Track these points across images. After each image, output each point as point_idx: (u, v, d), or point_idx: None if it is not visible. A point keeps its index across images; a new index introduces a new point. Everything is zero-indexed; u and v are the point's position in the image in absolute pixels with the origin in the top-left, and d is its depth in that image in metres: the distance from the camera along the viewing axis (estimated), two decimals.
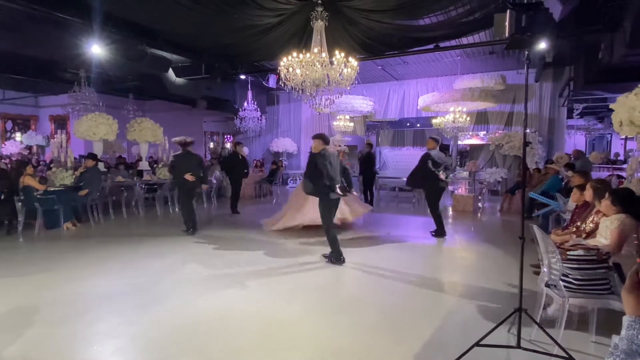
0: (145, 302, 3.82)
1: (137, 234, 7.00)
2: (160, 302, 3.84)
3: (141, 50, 8.33)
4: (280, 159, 15.41)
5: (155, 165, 10.42)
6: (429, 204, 6.85)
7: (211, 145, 18.88)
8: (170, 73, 10.60)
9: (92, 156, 7.97)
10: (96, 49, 7.76)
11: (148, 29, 7.82)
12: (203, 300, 3.89)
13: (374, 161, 10.62)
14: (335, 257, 5.21)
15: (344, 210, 7.02)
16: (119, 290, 4.15)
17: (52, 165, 8.35)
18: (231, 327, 3.30)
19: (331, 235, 5.25)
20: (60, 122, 15.90)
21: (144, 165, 10.16)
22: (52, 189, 7.22)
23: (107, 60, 8.51)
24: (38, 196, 6.85)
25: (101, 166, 8.77)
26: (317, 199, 5.39)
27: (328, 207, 5.28)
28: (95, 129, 8.76)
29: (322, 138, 5.42)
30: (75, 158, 9.35)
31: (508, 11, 2.60)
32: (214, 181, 10.99)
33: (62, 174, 7.80)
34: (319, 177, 5.16)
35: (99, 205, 8.06)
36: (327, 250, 5.38)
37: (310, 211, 6.73)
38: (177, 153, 7.12)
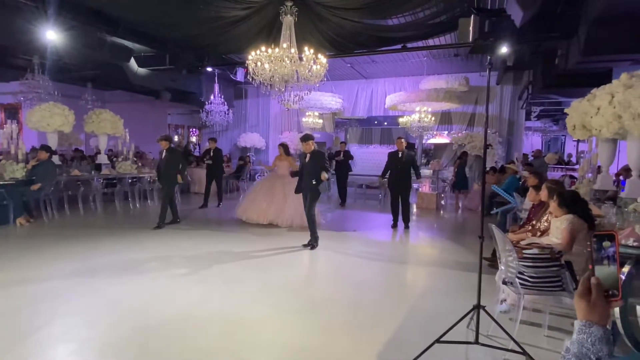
0: (102, 303, 3.65)
1: (94, 231, 6.69)
2: (118, 302, 3.69)
3: (100, 38, 7.93)
4: (248, 154, 15.19)
5: (115, 159, 9.99)
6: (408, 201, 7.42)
7: (175, 138, 18.35)
8: (132, 63, 10.17)
9: (45, 148, 7.53)
10: (51, 35, 7.31)
11: (108, 16, 7.45)
12: (164, 300, 3.77)
13: (350, 158, 10.70)
14: (316, 241, 5.81)
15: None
16: (73, 291, 3.94)
17: (1, 157, 7.81)
18: (193, 328, 3.21)
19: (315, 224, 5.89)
20: (12, 112, 14.89)
21: (102, 158, 9.71)
22: (1, 183, 6.77)
23: (63, 47, 8.04)
24: None
25: (56, 159, 8.29)
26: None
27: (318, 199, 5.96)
28: (49, 119, 8.25)
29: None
30: (27, 153, 8.81)
31: (472, 16, 2.66)
32: None
33: (12, 166, 7.31)
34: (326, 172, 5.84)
35: (53, 200, 7.65)
36: (295, 244, 5.57)
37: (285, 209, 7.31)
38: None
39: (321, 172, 5.72)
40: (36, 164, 7.28)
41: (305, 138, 5.95)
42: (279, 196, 7.28)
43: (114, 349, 2.86)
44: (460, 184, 10.26)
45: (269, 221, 7.24)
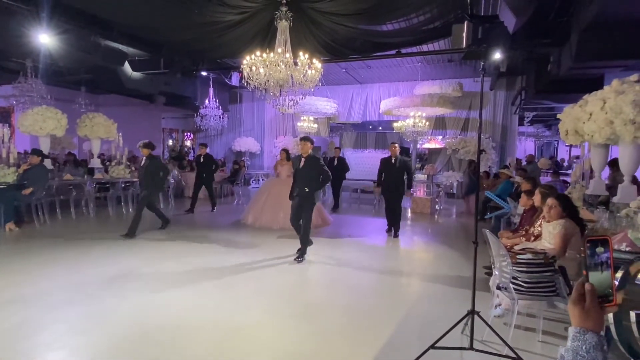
0: (94, 310, 3.60)
1: (86, 236, 6.61)
2: (110, 309, 3.64)
3: (94, 42, 7.90)
4: (243, 158, 15.15)
5: (108, 163, 9.92)
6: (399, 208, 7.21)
7: (170, 142, 18.25)
8: (126, 66, 10.14)
9: (37, 152, 7.45)
10: (44, 39, 7.26)
11: (102, 20, 7.42)
12: (157, 307, 3.73)
13: (345, 165, 10.66)
14: (304, 253, 5.46)
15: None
16: (64, 297, 3.89)
17: None
18: (186, 335, 3.17)
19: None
20: (4, 115, 14.76)
21: (95, 162, 9.63)
22: None
23: (56, 50, 7.99)
24: None
25: (48, 163, 8.21)
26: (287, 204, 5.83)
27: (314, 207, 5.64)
28: (42, 123, 8.18)
29: None
30: (19, 153, 8.72)
31: (466, 23, 2.68)
32: (172, 181, 10.63)
33: (3, 170, 7.23)
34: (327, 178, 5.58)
35: (45, 205, 7.56)
36: (290, 250, 5.49)
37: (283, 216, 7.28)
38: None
39: (317, 180, 5.46)
40: (28, 168, 7.21)
41: (303, 139, 5.69)
42: (286, 201, 7.30)
43: (106, 357, 2.82)
44: (471, 189, 10.07)
45: (281, 227, 7.31)
